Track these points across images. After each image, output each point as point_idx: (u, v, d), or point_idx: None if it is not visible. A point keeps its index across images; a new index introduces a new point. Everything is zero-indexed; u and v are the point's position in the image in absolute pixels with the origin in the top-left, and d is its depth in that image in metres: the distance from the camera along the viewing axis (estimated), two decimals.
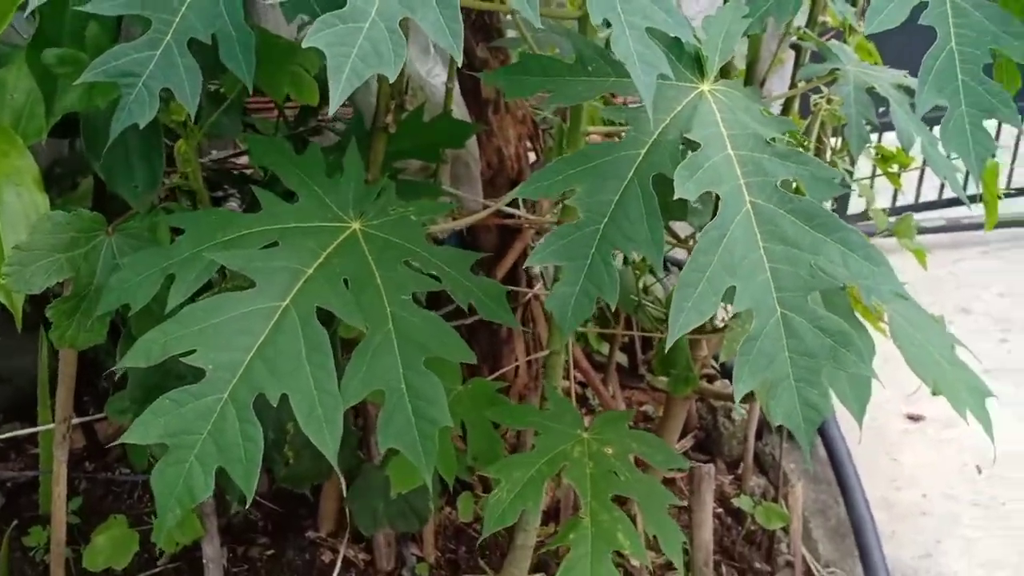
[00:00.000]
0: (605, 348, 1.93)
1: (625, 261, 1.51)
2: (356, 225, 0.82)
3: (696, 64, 0.76)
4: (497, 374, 1.42)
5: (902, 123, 0.99)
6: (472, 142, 1.42)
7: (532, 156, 1.52)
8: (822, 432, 1.64)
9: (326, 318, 0.72)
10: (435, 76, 1.40)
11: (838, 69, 1.03)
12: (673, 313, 0.63)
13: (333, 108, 0.56)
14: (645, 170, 0.69)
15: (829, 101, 1.07)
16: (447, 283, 0.80)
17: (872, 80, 1.03)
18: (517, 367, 1.60)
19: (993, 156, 0.69)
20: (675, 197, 0.65)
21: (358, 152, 0.88)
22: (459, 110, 1.30)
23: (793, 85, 1.21)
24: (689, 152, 0.69)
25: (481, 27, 1.29)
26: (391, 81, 0.58)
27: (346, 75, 0.56)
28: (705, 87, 0.75)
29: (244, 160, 1.52)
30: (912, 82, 1.08)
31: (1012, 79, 0.81)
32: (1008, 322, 2.67)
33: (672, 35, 0.65)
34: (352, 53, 0.57)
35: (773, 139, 0.69)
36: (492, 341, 1.60)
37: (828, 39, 1.19)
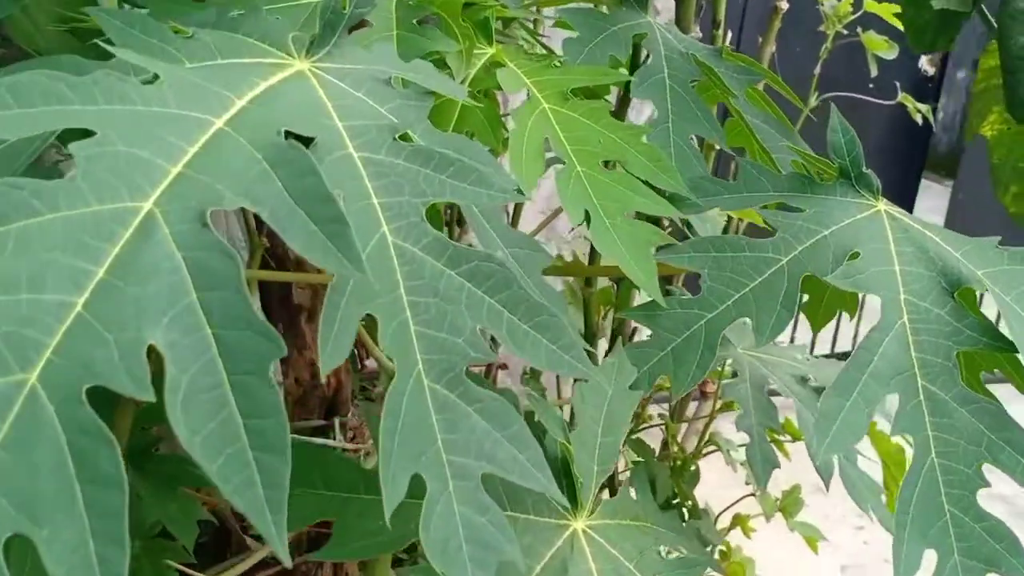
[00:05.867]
0: None
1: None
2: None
3: (565, 483, 0.50)
4: None
5: (815, 443, 0.77)
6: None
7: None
8: None
9: None
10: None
11: (728, 357, 0.82)
12: None
13: None
14: None
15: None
16: None
17: (769, 372, 0.83)
18: None
19: None
20: None
21: None
22: None
23: None
24: None
25: None
26: None
27: None
28: (579, 524, 0.49)
29: None
30: (804, 367, 0.88)
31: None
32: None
33: (519, 483, 0.39)
34: None
35: None
36: None
37: None
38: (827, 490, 0.74)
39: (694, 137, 0.66)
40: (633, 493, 0.59)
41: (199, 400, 0.33)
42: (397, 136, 0.44)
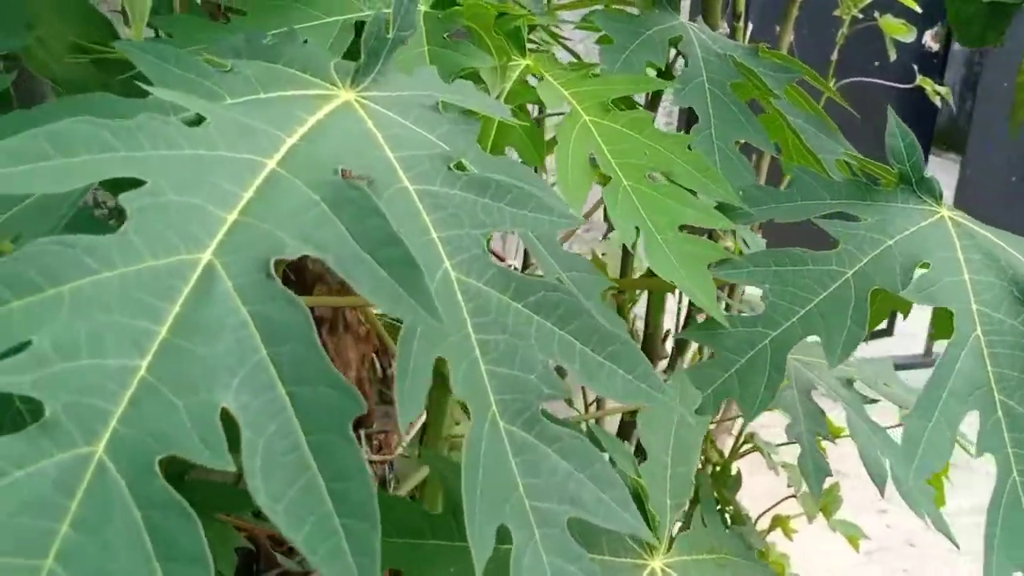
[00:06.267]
0: None
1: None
2: None
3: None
4: None
5: (867, 447, 0.75)
6: None
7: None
8: None
9: None
10: None
11: None
12: None
13: None
14: None
15: None
16: None
17: (815, 376, 0.81)
18: None
19: None
20: None
21: None
22: None
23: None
24: None
25: None
26: None
27: None
28: (657, 563, 0.48)
29: None
30: (849, 369, 0.86)
31: None
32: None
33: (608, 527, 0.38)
34: None
35: None
36: None
37: None
38: (882, 495, 0.72)
39: None
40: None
41: (278, 464, 0.31)
42: (452, 165, 0.42)
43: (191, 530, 0.29)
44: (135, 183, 0.36)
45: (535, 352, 0.39)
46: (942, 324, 0.55)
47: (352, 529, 0.30)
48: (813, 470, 0.73)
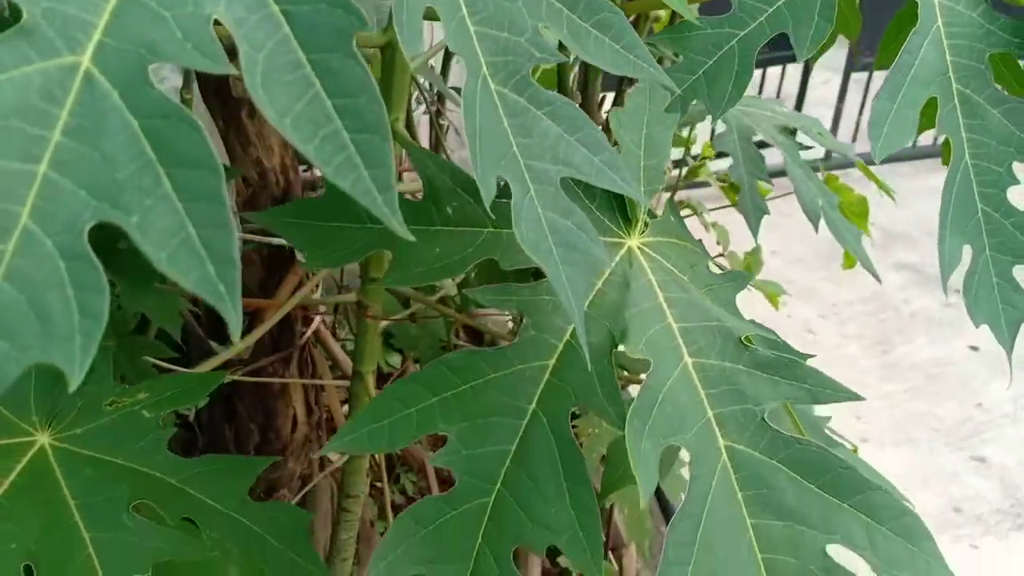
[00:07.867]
0: (395, 359, 1.68)
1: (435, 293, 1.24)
2: (44, 439, 0.49)
3: (616, 204, 0.49)
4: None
5: (803, 188, 0.78)
6: (221, 155, 1.09)
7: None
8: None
9: None
10: (163, 81, 1.04)
11: None
12: None
13: None
14: (556, 397, 0.42)
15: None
16: (204, 525, 0.50)
17: (753, 122, 0.82)
18: (295, 421, 1.33)
19: None
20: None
21: None
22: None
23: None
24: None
25: None
26: None
27: None
28: (633, 241, 0.48)
29: None
30: (785, 118, 0.88)
31: None
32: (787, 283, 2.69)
33: (601, 187, 0.38)
34: None
35: (747, 339, 0.44)
36: (261, 395, 1.30)
37: None
38: (816, 231, 0.76)
39: None
40: None
41: (281, 81, 0.29)
42: None
43: (194, 136, 0.28)
44: None
45: (523, 16, 0.38)
46: (892, 39, 0.56)
47: (363, 143, 0.29)
48: (752, 208, 0.76)
